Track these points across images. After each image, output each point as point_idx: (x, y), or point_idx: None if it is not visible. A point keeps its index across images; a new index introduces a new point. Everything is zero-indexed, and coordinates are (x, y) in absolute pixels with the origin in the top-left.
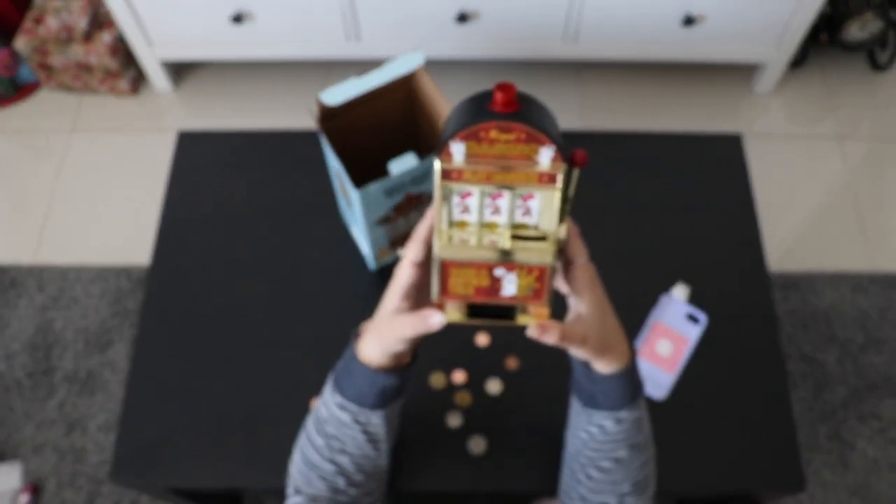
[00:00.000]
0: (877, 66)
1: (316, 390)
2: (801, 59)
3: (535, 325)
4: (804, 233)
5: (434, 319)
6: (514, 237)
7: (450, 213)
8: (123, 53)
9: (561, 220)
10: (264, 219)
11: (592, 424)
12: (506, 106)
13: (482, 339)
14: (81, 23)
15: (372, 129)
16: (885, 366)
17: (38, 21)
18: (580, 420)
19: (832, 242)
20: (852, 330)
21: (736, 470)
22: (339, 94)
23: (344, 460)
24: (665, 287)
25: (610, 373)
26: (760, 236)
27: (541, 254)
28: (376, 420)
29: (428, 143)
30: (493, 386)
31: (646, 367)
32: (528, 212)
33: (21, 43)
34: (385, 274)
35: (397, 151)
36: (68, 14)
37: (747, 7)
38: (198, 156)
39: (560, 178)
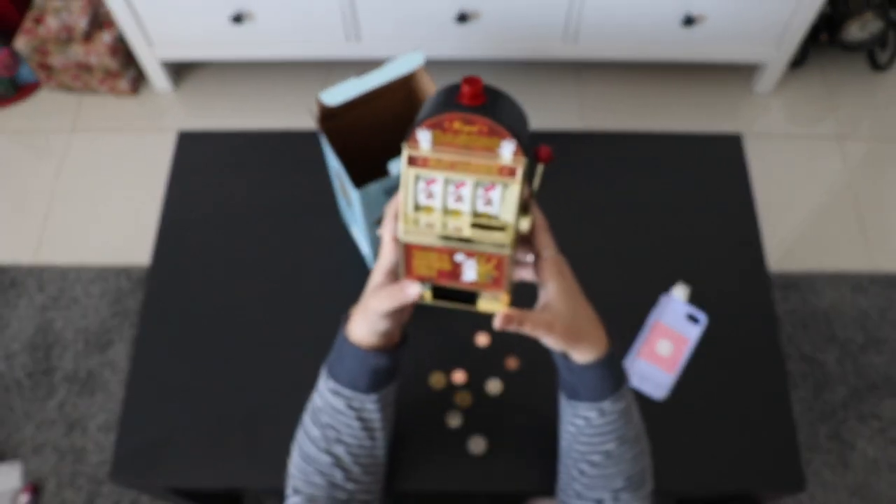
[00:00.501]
0: (877, 66)
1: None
2: (801, 59)
3: (499, 315)
4: (804, 233)
5: (411, 290)
6: (475, 226)
7: (415, 198)
8: (123, 53)
9: (524, 212)
10: (264, 219)
11: (578, 417)
12: (472, 99)
13: (482, 340)
14: (81, 23)
15: (372, 129)
16: (885, 366)
17: (38, 21)
18: (567, 413)
19: (832, 242)
20: (852, 330)
21: (736, 470)
22: (339, 94)
23: (340, 450)
24: (665, 287)
25: (586, 362)
26: (760, 236)
27: (499, 243)
28: (370, 405)
29: None
30: (493, 386)
31: (646, 367)
32: (489, 202)
33: (21, 43)
34: None
35: (397, 151)
36: (68, 14)
37: (747, 7)
38: (198, 156)
39: (520, 172)
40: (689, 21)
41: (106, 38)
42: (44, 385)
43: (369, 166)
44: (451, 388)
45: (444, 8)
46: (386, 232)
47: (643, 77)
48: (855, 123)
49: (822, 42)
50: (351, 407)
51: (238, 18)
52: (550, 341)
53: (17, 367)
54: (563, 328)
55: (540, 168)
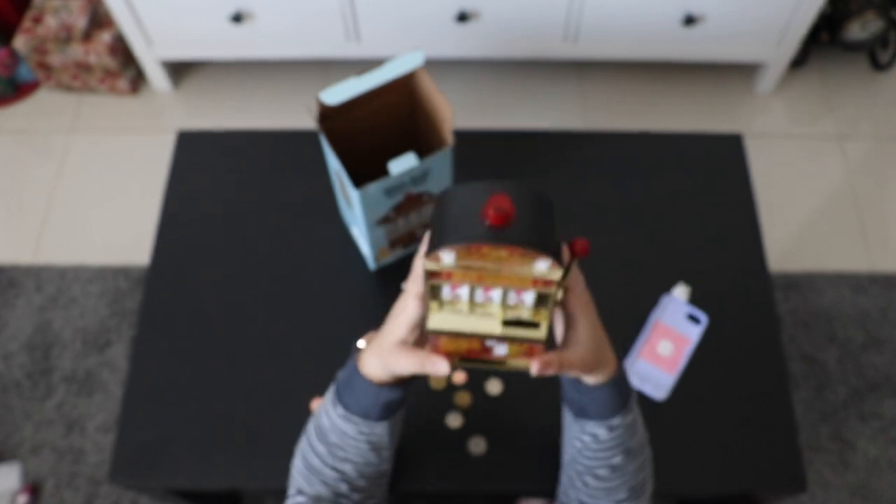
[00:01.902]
0: (878, 66)
1: (315, 391)
2: (801, 59)
3: (537, 363)
4: (805, 232)
5: (441, 367)
6: (507, 323)
7: (439, 299)
8: (123, 53)
9: (559, 286)
10: (264, 218)
11: (585, 433)
12: (498, 220)
13: None
14: (81, 22)
15: (372, 129)
16: (886, 366)
17: (37, 20)
18: (573, 430)
19: (833, 242)
20: (853, 330)
21: (737, 470)
22: (338, 93)
23: (347, 467)
24: (666, 287)
25: (598, 383)
26: (761, 236)
27: (533, 338)
28: (380, 430)
29: (428, 142)
30: (493, 386)
31: (646, 367)
32: (521, 301)
33: (20, 42)
34: (385, 274)
35: (397, 151)
36: (67, 13)
37: (747, 7)
38: (197, 155)
39: (556, 280)
40: (689, 20)
41: (105, 37)
42: (42, 385)
43: (369, 165)
44: (451, 388)
45: (444, 8)
46: (412, 287)
47: (643, 77)
48: (855, 123)
49: (822, 42)
50: (361, 433)
51: (238, 18)
52: (574, 373)
53: (16, 367)
54: (589, 361)
55: (574, 261)
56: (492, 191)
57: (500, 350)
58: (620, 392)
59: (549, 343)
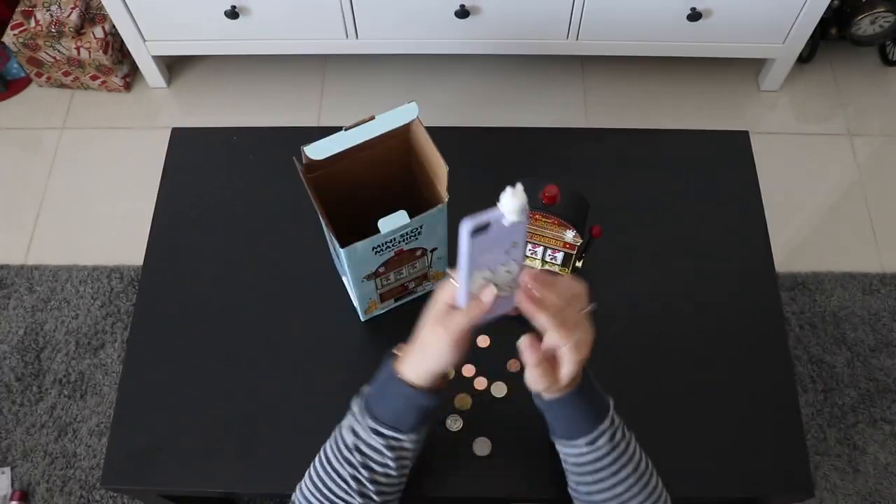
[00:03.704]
0: (888, 62)
1: (311, 393)
2: (809, 55)
3: (527, 339)
4: (813, 232)
5: (487, 295)
6: (543, 270)
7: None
8: (116, 48)
9: (577, 260)
10: (259, 217)
11: (566, 454)
12: (550, 200)
13: (482, 341)
14: (73, 17)
15: (364, 178)
16: None
17: (28, 14)
18: (561, 453)
19: (842, 242)
20: (863, 332)
21: (743, 474)
22: (325, 148)
23: (371, 489)
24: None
25: (552, 398)
26: (768, 235)
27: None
28: (409, 444)
29: (423, 195)
30: (497, 388)
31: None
32: (554, 258)
33: (10, 37)
34: (374, 325)
35: (388, 206)
36: (59, 8)
37: (754, 1)
38: (192, 153)
39: (577, 247)
40: (694, 15)
41: (98, 32)
42: (34, 388)
43: (359, 217)
44: (451, 388)
45: (444, 2)
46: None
47: (648, 72)
48: (865, 120)
49: (831, 37)
50: (391, 447)
51: (233, 12)
52: (534, 390)
53: (7, 369)
54: (555, 394)
55: (592, 241)
56: (548, 182)
57: None
58: (583, 407)
59: None
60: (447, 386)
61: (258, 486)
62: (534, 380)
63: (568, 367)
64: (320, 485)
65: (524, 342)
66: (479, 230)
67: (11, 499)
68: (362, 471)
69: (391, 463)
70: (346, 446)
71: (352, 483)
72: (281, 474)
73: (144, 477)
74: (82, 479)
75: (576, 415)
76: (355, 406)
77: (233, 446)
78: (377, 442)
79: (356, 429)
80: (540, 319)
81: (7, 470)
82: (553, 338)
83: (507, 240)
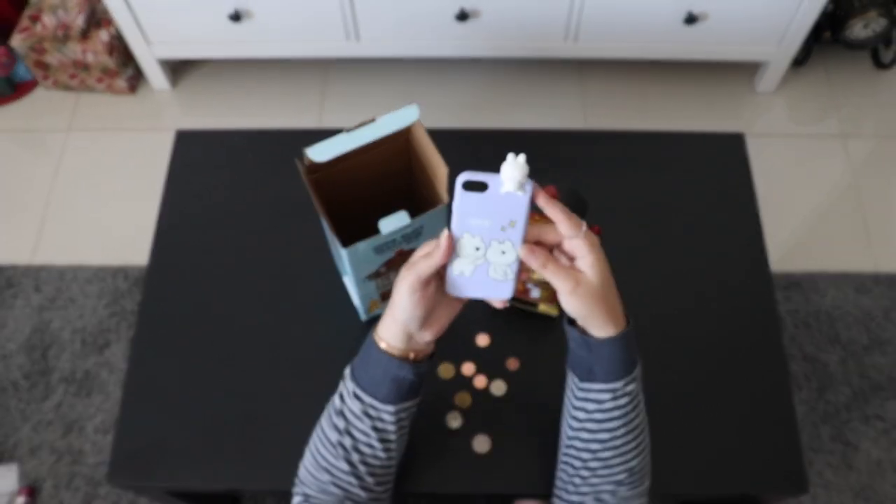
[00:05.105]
0: (880, 65)
1: (313, 392)
2: (803, 58)
3: (526, 248)
4: (807, 232)
5: (443, 238)
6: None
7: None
8: (121, 52)
9: None
10: (263, 218)
11: (589, 401)
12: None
13: (482, 340)
14: (78, 20)
15: (366, 179)
16: (890, 367)
17: (35, 19)
18: (576, 399)
19: (835, 242)
20: (856, 330)
21: (737, 471)
22: (327, 150)
23: (355, 458)
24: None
25: (607, 337)
26: (762, 235)
27: None
28: (386, 416)
29: (424, 195)
30: (497, 386)
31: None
32: None
33: (17, 41)
34: (375, 325)
35: (389, 206)
36: (65, 12)
37: (749, 5)
38: (196, 155)
39: None
40: (690, 19)
41: (103, 36)
42: (41, 386)
43: (360, 218)
44: (452, 389)
45: (444, 6)
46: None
47: (645, 75)
48: (858, 122)
49: (825, 40)
50: (368, 415)
51: (236, 16)
52: (573, 302)
53: (14, 367)
54: (590, 293)
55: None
56: (546, 183)
57: (535, 293)
58: (628, 352)
59: None
60: (426, 360)
61: (261, 482)
62: (556, 279)
63: (586, 259)
64: (314, 449)
65: (524, 251)
66: (473, 186)
67: (19, 494)
68: (346, 437)
69: (371, 432)
70: (335, 410)
71: (339, 449)
72: (283, 471)
73: (149, 473)
74: (88, 476)
75: (622, 356)
76: (346, 369)
77: (236, 443)
78: (357, 407)
79: (343, 393)
80: (553, 208)
81: (15, 466)
82: (564, 228)
83: (503, 214)
